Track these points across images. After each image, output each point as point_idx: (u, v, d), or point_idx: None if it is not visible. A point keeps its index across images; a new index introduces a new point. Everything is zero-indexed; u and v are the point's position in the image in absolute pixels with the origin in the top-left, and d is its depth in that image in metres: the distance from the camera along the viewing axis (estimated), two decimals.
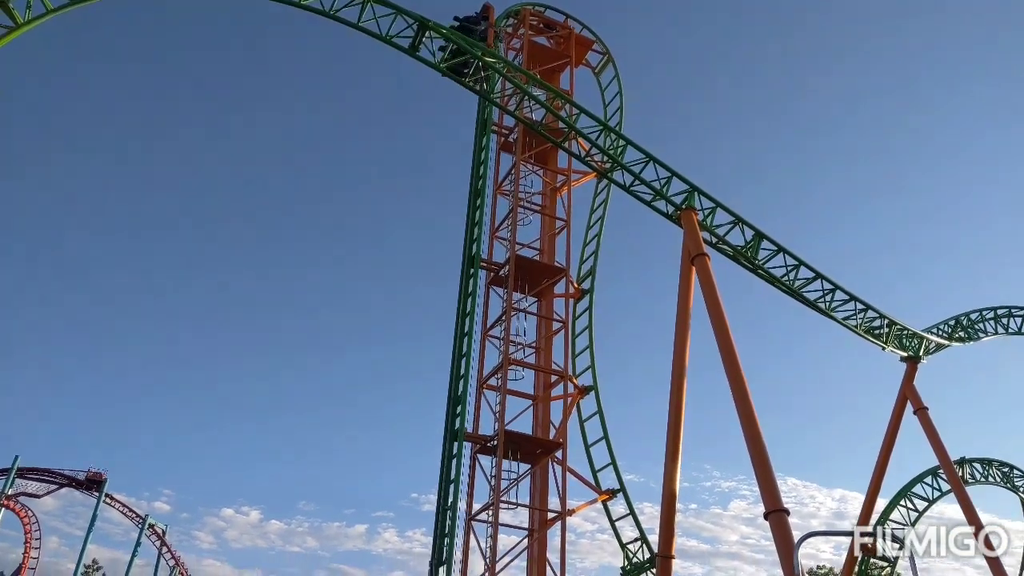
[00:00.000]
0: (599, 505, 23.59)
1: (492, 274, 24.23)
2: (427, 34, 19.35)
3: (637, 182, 21.33)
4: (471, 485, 21.78)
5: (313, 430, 76.11)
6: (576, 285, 25.20)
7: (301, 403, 75.16)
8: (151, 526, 54.57)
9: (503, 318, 23.32)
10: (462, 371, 21.99)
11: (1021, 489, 33.57)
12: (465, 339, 22.46)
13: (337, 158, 78.11)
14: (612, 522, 23.72)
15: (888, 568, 30.77)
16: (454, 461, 21.08)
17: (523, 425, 22.88)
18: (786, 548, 13.63)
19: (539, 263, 24.46)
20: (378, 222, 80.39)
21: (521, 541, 21.60)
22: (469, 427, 21.82)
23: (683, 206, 21.35)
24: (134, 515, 54.47)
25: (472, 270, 23.41)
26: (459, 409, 21.51)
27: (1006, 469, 33.55)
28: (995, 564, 23.16)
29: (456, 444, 21.25)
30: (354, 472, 77.58)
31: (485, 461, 21.95)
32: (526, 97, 21.05)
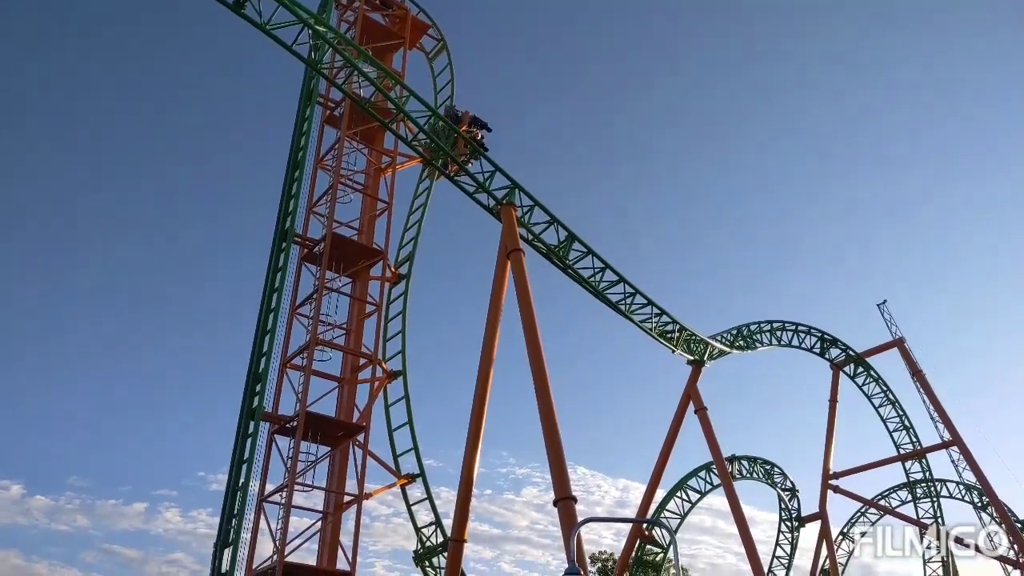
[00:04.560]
0: (396, 489, 23.64)
1: (306, 250, 23.44)
2: None
3: (462, 172, 21.56)
4: (265, 466, 21.02)
5: (88, 398, 69.37)
6: (393, 269, 25.00)
7: (74, 365, 67.97)
8: None
9: (314, 296, 22.69)
10: (265, 348, 21.17)
11: (779, 485, 37.61)
12: (271, 315, 21.63)
13: (140, 114, 71.68)
14: (409, 506, 23.88)
15: (661, 553, 33.34)
16: (249, 440, 20.26)
17: (326, 407, 22.42)
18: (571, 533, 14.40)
19: (356, 243, 24.00)
20: (186, 183, 74.96)
21: (314, 524, 21.18)
22: (268, 406, 21.06)
23: (504, 201, 21.91)
24: None
25: (284, 244, 22.57)
26: (259, 387, 20.71)
27: (768, 467, 37.47)
28: (751, 549, 25.83)
29: (253, 423, 20.44)
30: (134, 447, 71.78)
31: (283, 442, 21.27)
32: (355, 72, 20.60)
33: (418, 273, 25.67)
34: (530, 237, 23.03)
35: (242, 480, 20.00)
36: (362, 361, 23.46)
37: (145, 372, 70.81)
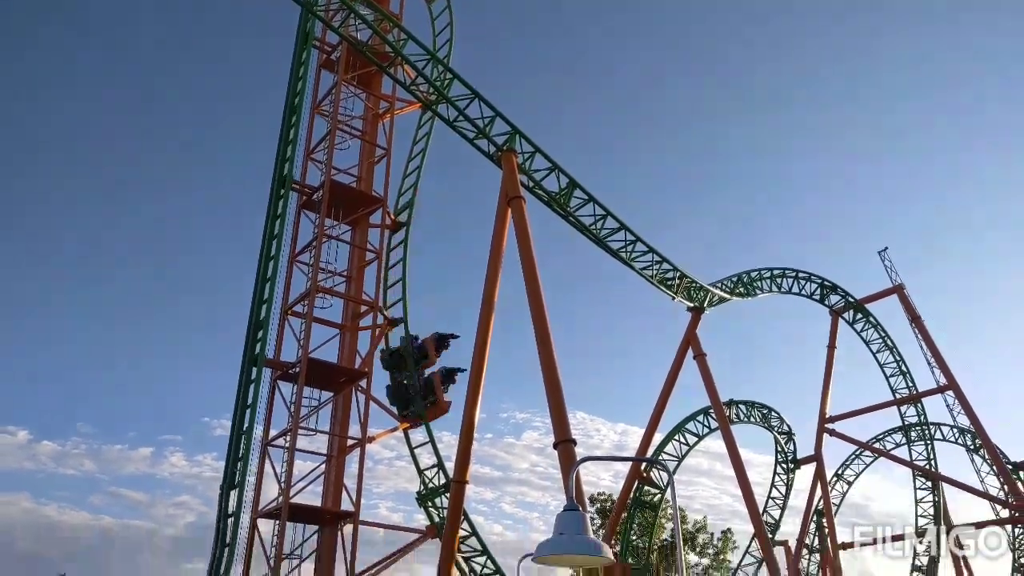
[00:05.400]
0: (399, 433, 24.00)
1: (304, 197, 23.37)
2: None
3: (461, 118, 21.26)
4: (269, 411, 21.36)
5: (94, 347, 70.08)
6: (393, 216, 24.92)
7: (81, 316, 68.59)
8: None
9: (313, 244, 22.68)
10: (265, 296, 21.26)
11: (776, 428, 38.08)
12: (271, 263, 21.67)
13: (140, 63, 70.42)
14: (411, 449, 24.26)
15: (659, 494, 33.95)
16: (252, 386, 20.52)
17: (328, 354, 22.63)
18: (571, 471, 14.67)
19: (355, 190, 23.89)
20: (182, 130, 74.40)
21: (318, 466, 21.58)
22: (271, 353, 21.26)
23: (504, 147, 21.61)
24: None
25: (283, 191, 22.47)
26: (260, 334, 20.87)
27: (765, 411, 37.86)
28: (747, 490, 26.36)
29: (256, 369, 20.67)
30: (139, 394, 73.09)
31: (286, 388, 21.55)
32: (352, 15, 20.18)
33: (418, 221, 25.58)
34: (531, 184, 22.83)
35: (246, 425, 20.34)
36: (363, 308, 23.58)
37: (149, 320, 71.42)
